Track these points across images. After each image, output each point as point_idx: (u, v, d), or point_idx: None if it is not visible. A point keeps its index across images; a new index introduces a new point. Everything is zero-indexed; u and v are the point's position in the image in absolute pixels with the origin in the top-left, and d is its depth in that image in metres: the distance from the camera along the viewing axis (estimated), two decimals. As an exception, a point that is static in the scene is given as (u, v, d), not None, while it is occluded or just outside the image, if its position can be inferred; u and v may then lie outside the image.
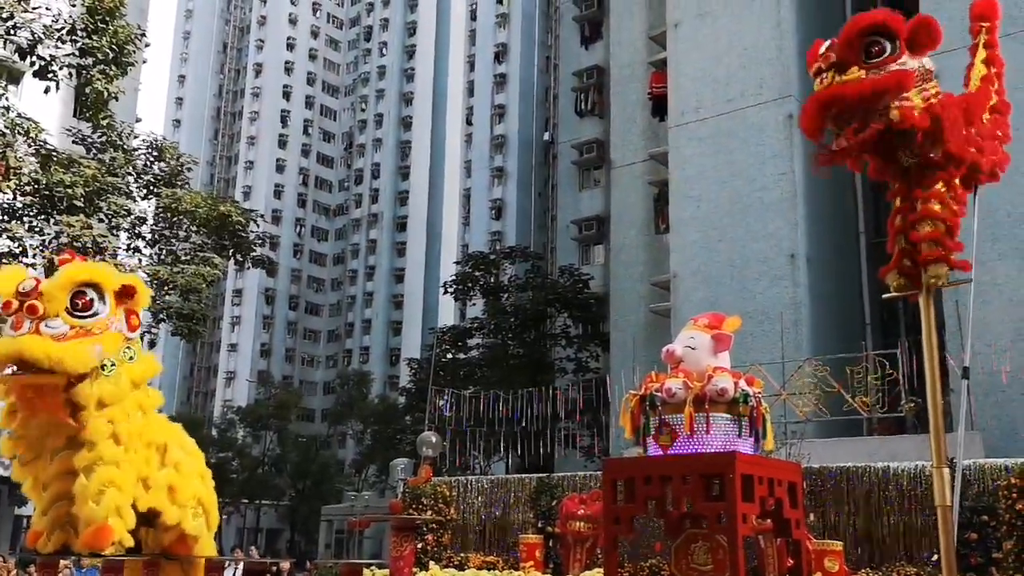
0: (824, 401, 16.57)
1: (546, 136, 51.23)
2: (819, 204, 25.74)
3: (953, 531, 4.90)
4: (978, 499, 12.32)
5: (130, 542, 7.21)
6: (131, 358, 7.13)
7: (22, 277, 7.13)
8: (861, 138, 4.57)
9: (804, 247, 24.90)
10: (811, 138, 4.89)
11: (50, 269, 20.55)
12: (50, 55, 19.80)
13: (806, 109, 4.75)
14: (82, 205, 21.43)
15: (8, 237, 20.71)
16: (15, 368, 6.74)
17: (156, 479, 7.45)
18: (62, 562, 12.88)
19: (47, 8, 20.33)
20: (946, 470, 4.86)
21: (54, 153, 21.51)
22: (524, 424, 23.12)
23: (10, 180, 19.91)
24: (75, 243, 20.67)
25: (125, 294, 7.16)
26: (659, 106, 29.93)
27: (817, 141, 4.86)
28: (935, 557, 11.97)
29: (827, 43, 4.69)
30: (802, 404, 16.41)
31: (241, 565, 15.76)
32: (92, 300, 6.95)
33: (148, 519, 7.46)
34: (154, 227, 25.65)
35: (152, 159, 25.13)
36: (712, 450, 5.31)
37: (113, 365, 6.95)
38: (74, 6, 20.65)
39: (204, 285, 24.40)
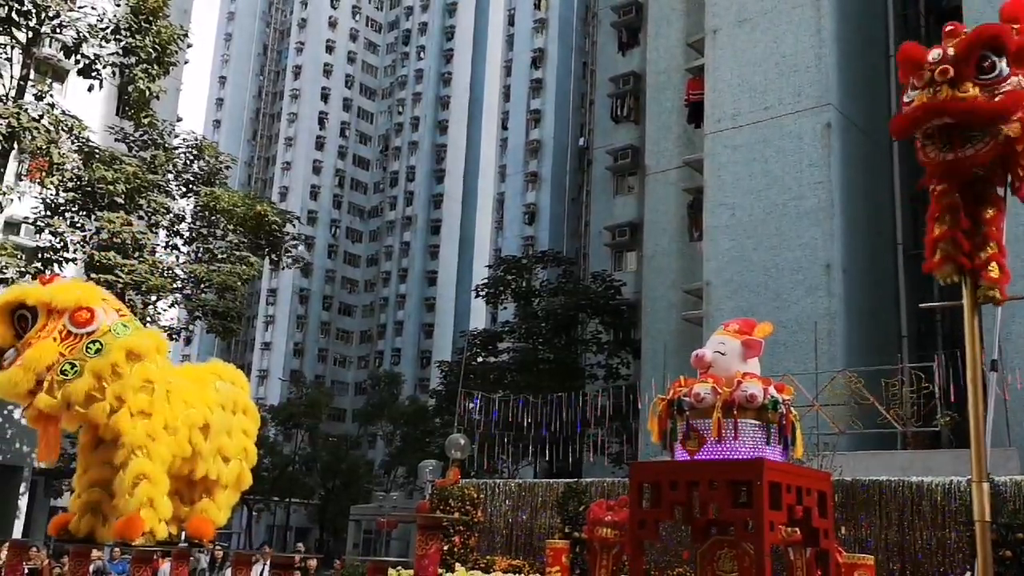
0: (857, 413, 16.36)
1: (581, 141, 51.14)
2: (856, 214, 25.40)
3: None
4: (1014, 516, 12.07)
5: (162, 533, 7.32)
6: (97, 351, 7.27)
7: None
8: (978, 152, 4.42)
9: (840, 257, 24.58)
10: (899, 138, 4.74)
11: (90, 265, 20.96)
12: (94, 54, 20.21)
13: (912, 114, 4.48)
14: (123, 202, 21.81)
15: (50, 232, 21.13)
16: None
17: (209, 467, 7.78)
18: (94, 552, 13.07)
19: (92, 7, 20.73)
20: (986, 485, 4.75)
21: (97, 150, 21.91)
22: (553, 429, 23.06)
23: (53, 176, 20.30)
24: (115, 239, 21.04)
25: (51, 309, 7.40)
26: (695, 113, 29.75)
27: (902, 137, 4.72)
28: (967, 574, 11.74)
29: (936, 52, 4.47)
30: (835, 416, 16.22)
31: (269, 561, 15.90)
32: (27, 319, 7.33)
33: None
34: (192, 225, 26.03)
35: (192, 158, 25.51)
36: (740, 456, 5.24)
37: (73, 367, 7.15)
38: (118, 6, 21.04)
39: (239, 284, 24.71)
